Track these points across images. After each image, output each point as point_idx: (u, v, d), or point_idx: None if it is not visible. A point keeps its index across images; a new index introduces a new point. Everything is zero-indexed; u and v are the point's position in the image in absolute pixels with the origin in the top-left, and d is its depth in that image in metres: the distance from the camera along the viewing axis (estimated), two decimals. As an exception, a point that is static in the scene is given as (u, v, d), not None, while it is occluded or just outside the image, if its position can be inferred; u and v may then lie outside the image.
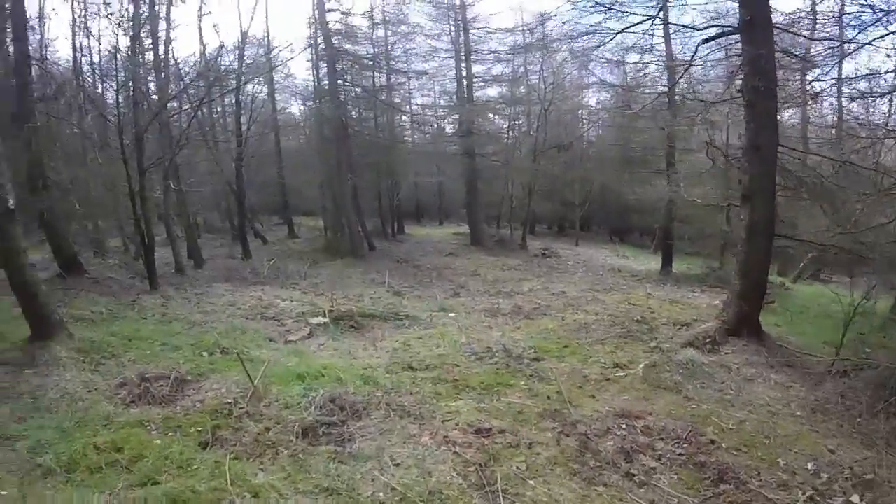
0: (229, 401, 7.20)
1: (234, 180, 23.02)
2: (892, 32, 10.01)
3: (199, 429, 6.50)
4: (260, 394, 7.36)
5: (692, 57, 12.34)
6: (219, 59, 21.68)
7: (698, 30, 12.30)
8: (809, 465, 6.12)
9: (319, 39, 24.36)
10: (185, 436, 6.38)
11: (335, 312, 12.53)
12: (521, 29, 29.24)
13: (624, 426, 6.91)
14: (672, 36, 18.91)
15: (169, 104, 18.61)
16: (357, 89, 26.18)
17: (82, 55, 22.34)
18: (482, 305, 14.47)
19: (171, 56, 21.20)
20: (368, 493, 5.35)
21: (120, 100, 16.78)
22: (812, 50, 12.14)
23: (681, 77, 14.79)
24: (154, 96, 18.94)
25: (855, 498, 5.36)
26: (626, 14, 12.70)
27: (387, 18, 27.94)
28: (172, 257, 18.13)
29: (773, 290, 13.66)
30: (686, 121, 16.16)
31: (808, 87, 14.30)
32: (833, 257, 15.02)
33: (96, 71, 23.03)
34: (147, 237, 15.38)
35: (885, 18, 9.75)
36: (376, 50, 27.15)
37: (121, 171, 15.41)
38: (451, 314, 13.38)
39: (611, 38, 13.09)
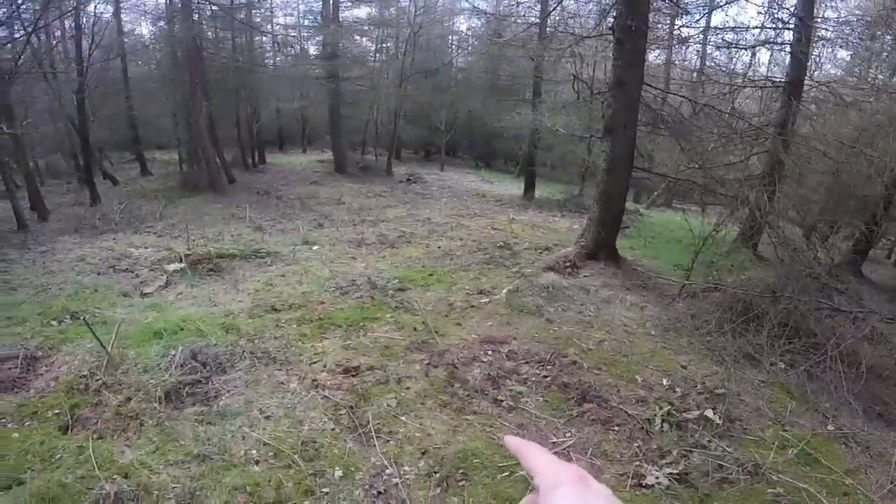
0: (84, 374, 6.55)
1: (77, 115, 20.55)
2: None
3: (57, 411, 5.91)
4: (116, 360, 6.77)
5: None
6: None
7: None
8: (665, 381, 6.48)
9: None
10: (44, 422, 5.78)
11: (192, 256, 11.80)
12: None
13: (490, 352, 7.01)
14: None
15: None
16: (213, 7, 23.90)
17: None
18: (347, 236, 14.22)
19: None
20: (241, 452, 5.13)
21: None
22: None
23: (553, 9, 14.77)
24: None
25: (709, 412, 5.70)
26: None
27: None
28: (12, 212, 16.22)
29: (628, 217, 14.38)
30: (555, 53, 16.24)
31: (676, 32, 14.77)
32: (685, 189, 16.00)
33: None
34: (-23, 194, 13.51)
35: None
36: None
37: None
38: (315, 247, 13.05)
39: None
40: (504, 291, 9.13)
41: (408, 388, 6.17)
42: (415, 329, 7.78)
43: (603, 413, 5.75)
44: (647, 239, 14.14)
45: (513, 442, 0.77)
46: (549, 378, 6.41)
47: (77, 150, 23.39)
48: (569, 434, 5.47)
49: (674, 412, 5.73)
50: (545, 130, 18.49)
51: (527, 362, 6.79)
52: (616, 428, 5.55)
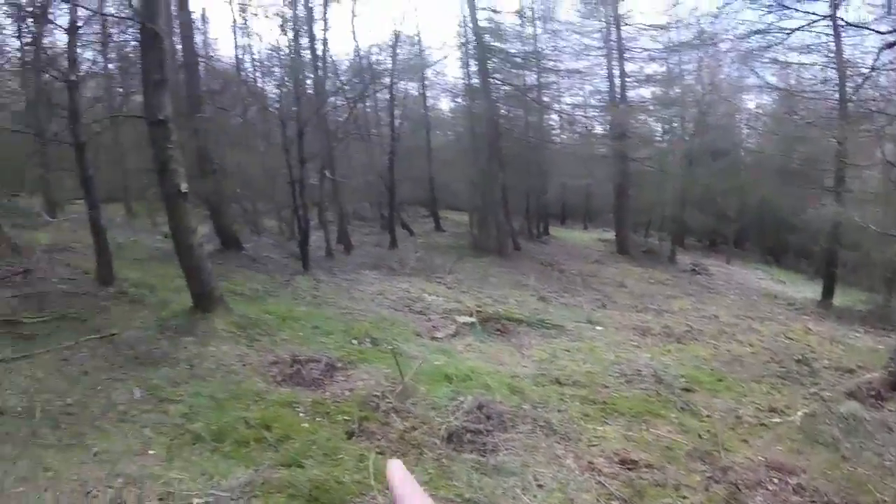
0: (377, 394, 7.43)
1: (386, 173, 23.70)
2: None
3: (347, 418, 6.74)
4: (408, 391, 7.57)
5: (874, 62, 11.29)
6: (372, 57, 23.93)
7: (879, 33, 11.23)
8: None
9: (470, 37, 24.72)
10: (333, 423, 6.66)
11: (482, 313, 12.68)
12: (675, 25, 27.68)
13: (776, 481, 6.67)
14: (843, 36, 17.66)
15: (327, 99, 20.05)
16: (507, 87, 25.90)
17: (244, 53, 25.58)
18: (630, 321, 14.24)
19: (327, 54, 22.76)
20: (509, 510, 5.36)
21: (281, 94, 18.44)
22: None
23: (862, 84, 13.72)
24: (310, 91, 20.43)
25: None
26: (793, 11, 11.93)
27: (536, 15, 27.88)
28: (324, 241, 19.29)
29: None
30: (865, 135, 14.83)
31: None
32: None
33: (257, 67, 26.03)
34: (303, 222, 16.68)
35: None
36: (526, 48, 26.86)
37: (281, 159, 16.93)
38: (598, 327, 13.25)
39: (784, 37, 12.33)
40: (799, 414, 8.61)
41: (685, 498, 6.06)
42: (699, 436, 7.68)
43: (884, 586, 5.22)
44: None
45: (397, 474, 0.76)
46: (835, 526, 5.91)
47: (382, 201, 27.05)
48: None
49: None
50: (850, 225, 16.65)
51: (814, 501, 6.33)
52: None
